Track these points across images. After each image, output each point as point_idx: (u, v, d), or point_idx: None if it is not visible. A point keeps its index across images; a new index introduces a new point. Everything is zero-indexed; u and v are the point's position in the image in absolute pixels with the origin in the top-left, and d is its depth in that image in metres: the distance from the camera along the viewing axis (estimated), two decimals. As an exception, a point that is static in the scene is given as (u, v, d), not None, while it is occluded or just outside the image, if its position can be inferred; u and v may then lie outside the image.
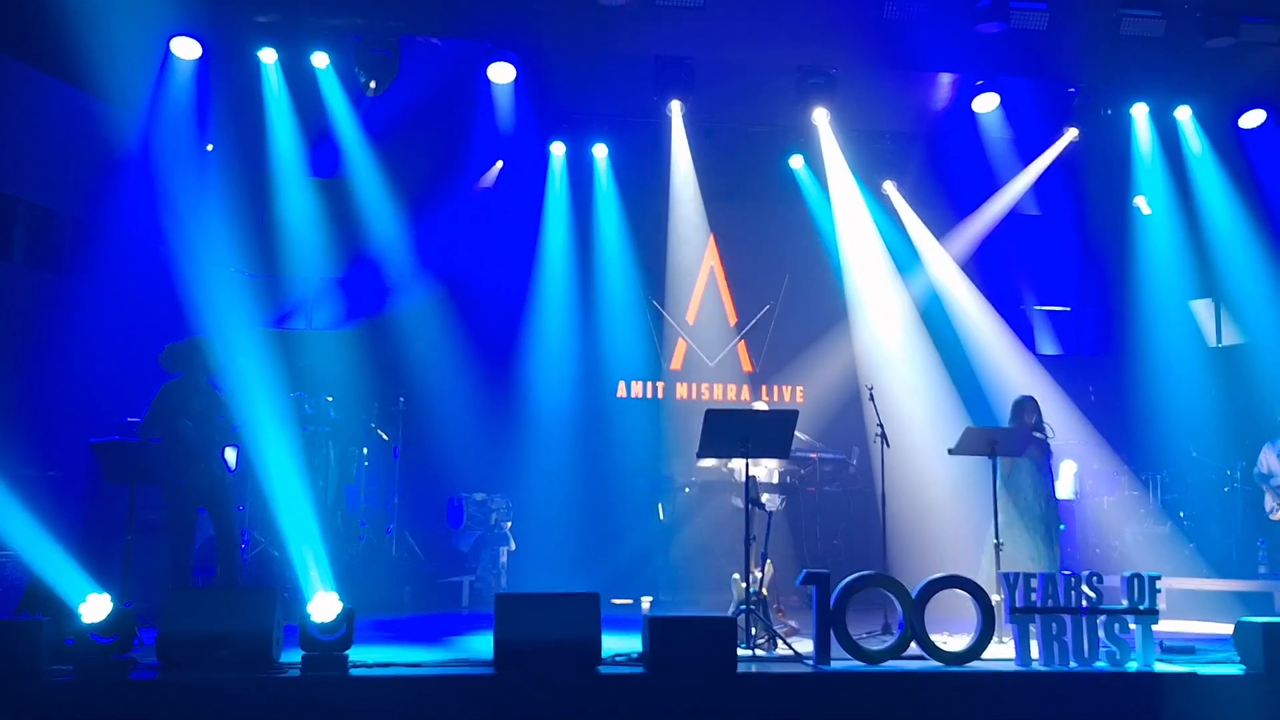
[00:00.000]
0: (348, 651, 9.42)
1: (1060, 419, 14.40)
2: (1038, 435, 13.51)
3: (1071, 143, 19.15)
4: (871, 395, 13.95)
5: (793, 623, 12.63)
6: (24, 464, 15.43)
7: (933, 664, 10.20)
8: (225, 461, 12.86)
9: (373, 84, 16.90)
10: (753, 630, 11.41)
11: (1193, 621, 14.38)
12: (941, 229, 20.27)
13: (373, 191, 18.50)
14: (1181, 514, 18.38)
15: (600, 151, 19.80)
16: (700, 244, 20.50)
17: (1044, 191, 20.35)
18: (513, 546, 17.33)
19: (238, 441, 13.20)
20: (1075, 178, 20.11)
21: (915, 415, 17.69)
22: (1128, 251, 20.27)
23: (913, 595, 10.44)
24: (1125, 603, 10.37)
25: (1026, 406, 13.78)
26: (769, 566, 12.35)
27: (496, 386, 18.90)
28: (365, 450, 17.06)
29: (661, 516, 17.32)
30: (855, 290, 20.09)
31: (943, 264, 20.21)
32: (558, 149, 19.68)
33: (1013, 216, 20.35)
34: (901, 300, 20.14)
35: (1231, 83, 17.79)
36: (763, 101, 18.38)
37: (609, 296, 19.94)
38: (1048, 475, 13.55)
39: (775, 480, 14.19)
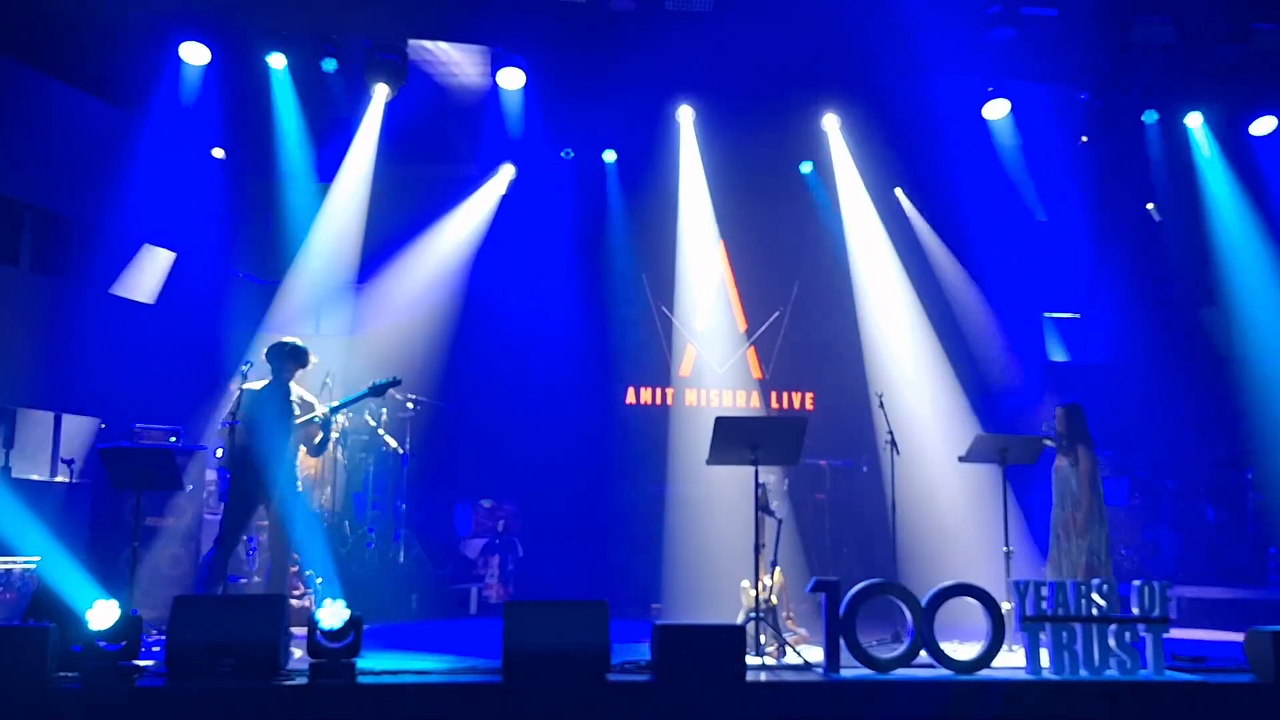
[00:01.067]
0: (355, 659, 9.38)
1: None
2: (1048, 443, 13.47)
3: (1082, 149, 19.13)
4: (881, 402, 13.93)
5: (802, 630, 12.62)
6: (30, 470, 15.45)
7: (943, 672, 10.16)
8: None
9: (381, 88, 16.96)
10: (762, 638, 11.39)
11: (1204, 630, 14.34)
12: (951, 235, 20.24)
13: (381, 197, 18.50)
14: (1192, 522, 18.34)
15: (609, 157, 19.80)
16: (709, 250, 20.47)
17: (1054, 198, 20.31)
18: (521, 553, 17.32)
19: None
20: (1086, 184, 20.05)
21: (925, 422, 17.65)
22: (1138, 258, 20.26)
23: (923, 603, 10.40)
24: (1136, 611, 10.34)
25: (1060, 414, 13.72)
26: (778, 574, 12.34)
27: (504, 392, 18.88)
28: (373, 457, 17.06)
29: (669, 524, 17.30)
30: (865, 297, 20.05)
31: (953, 270, 20.18)
32: (567, 155, 19.65)
33: (1023, 223, 20.32)
34: (911, 307, 20.10)
35: (1243, 89, 17.76)
36: (772, 107, 18.35)
37: (618, 302, 19.92)
38: (1080, 483, 13.50)
39: (783, 487, 14.20)
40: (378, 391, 12.84)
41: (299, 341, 12.75)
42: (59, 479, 15.80)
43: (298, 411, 12.57)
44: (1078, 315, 21.50)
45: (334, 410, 12.93)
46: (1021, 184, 19.82)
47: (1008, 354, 19.99)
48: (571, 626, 9.58)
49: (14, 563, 13.23)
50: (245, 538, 13.74)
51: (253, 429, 12.25)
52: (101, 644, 9.23)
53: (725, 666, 9.48)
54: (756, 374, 20.60)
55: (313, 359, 12.77)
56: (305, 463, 15.78)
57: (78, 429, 16.48)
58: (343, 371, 16.49)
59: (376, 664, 9.90)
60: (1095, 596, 10.34)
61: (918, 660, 10.28)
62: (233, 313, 17.93)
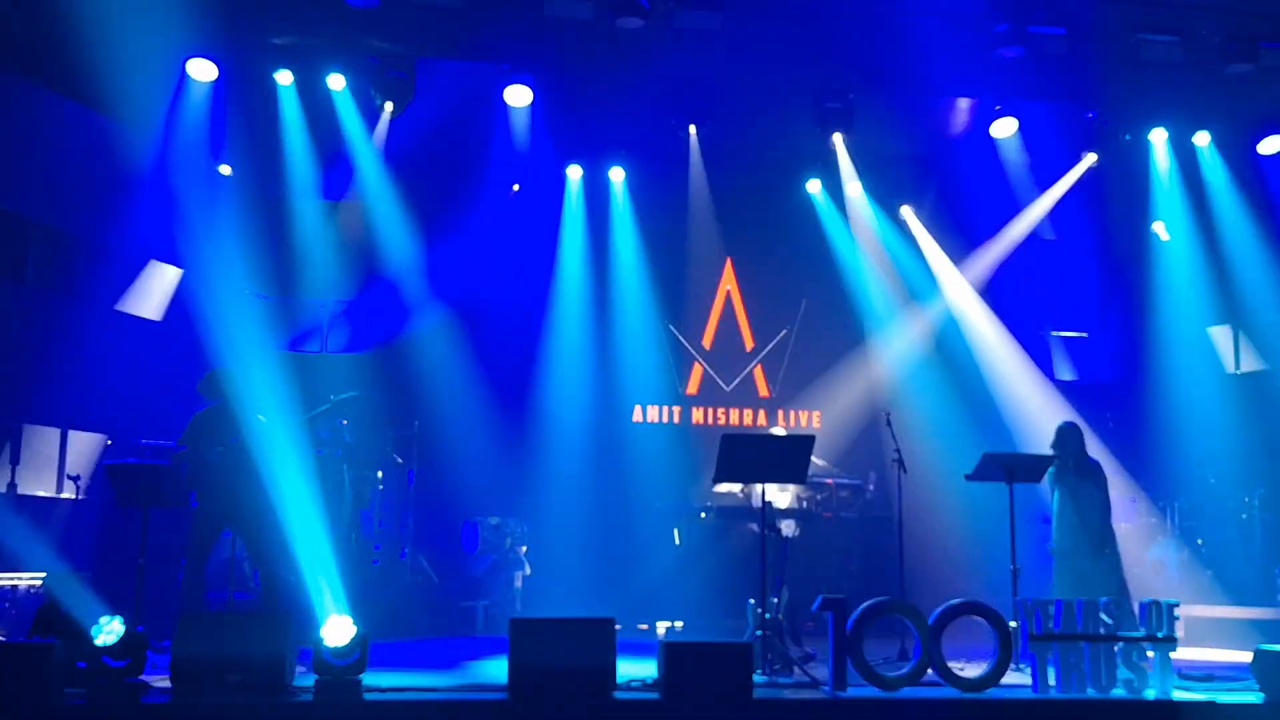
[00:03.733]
0: (361, 676, 9.37)
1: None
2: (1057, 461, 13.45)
3: (1090, 168, 19.13)
4: (889, 421, 13.93)
5: (809, 649, 12.59)
6: (37, 486, 15.46)
7: (949, 691, 10.14)
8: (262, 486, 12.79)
9: (388, 105, 16.97)
10: (769, 656, 11.37)
11: (1211, 649, 14.31)
12: (959, 254, 20.23)
13: (389, 214, 18.50)
14: (1199, 541, 18.28)
15: (617, 175, 19.80)
16: (717, 268, 20.47)
17: (1062, 216, 20.31)
18: (528, 571, 17.28)
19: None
20: (1093, 203, 20.06)
21: (932, 441, 17.63)
22: (1146, 277, 20.22)
23: (929, 621, 10.40)
24: (1143, 630, 10.32)
25: (1063, 434, 13.70)
26: (785, 592, 12.31)
27: (512, 410, 18.86)
28: (380, 474, 17.02)
29: (677, 541, 17.27)
30: (872, 315, 20.05)
31: (960, 289, 20.17)
32: (574, 172, 19.67)
33: (1030, 241, 20.33)
34: (919, 325, 20.09)
35: (1251, 108, 17.76)
36: (780, 125, 18.36)
37: (625, 320, 19.91)
38: (1073, 503, 13.46)
39: (790, 505, 14.17)
40: (339, 407, 12.97)
41: (222, 370, 12.91)
42: (65, 495, 15.81)
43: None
44: (1085, 334, 21.46)
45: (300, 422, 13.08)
46: (1029, 202, 19.81)
47: (1015, 372, 19.95)
48: (578, 644, 9.58)
49: (20, 579, 13.23)
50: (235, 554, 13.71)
51: (211, 452, 12.34)
52: (107, 660, 9.23)
53: (732, 685, 9.46)
54: (764, 392, 20.58)
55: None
56: None
57: (84, 445, 16.49)
58: (350, 389, 16.45)
59: (383, 681, 9.88)
60: (1102, 616, 10.35)
61: (925, 679, 10.27)
62: (239, 329, 17.93)
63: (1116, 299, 21.14)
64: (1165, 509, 18.46)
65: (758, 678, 10.53)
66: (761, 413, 20.42)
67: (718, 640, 10.52)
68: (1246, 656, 10.41)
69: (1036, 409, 18.77)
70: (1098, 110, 18.15)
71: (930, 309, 20.22)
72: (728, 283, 20.66)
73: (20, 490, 15.36)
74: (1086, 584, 12.98)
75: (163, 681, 9.52)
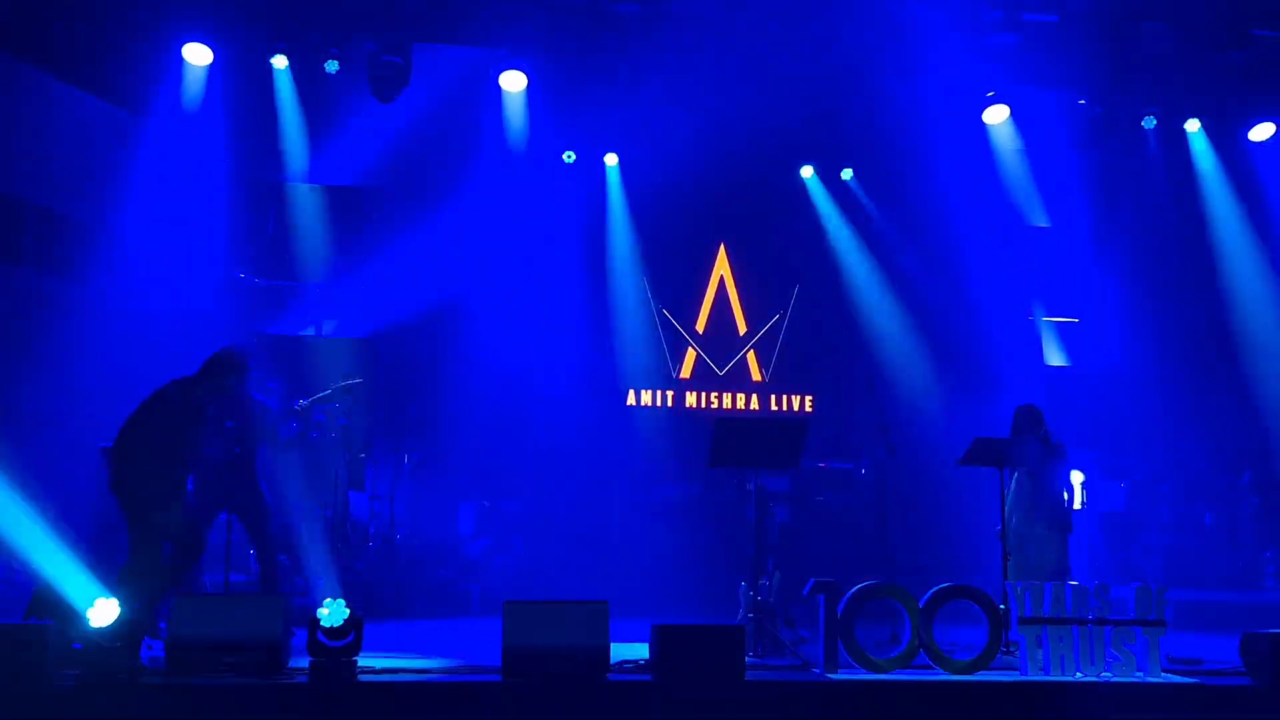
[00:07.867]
0: (356, 657, 9.43)
1: (1068, 430, 14.36)
2: (1045, 444, 13.48)
3: (1082, 154, 19.14)
4: (873, 385, 13.97)
5: (801, 631, 12.64)
6: (32, 469, 15.47)
7: (940, 673, 10.21)
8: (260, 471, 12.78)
9: (384, 90, 16.97)
10: (760, 639, 11.43)
11: (1199, 633, 14.36)
12: (951, 240, 20.23)
13: (383, 198, 18.52)
14: (1189, 525, 18.35)
15: (611, 160, 19.80)
16: (710, 252, 20.48)
17: (1054, 203, 20.34)
18: (522, 553, 17.32)
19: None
20: (1085, 189, 20.08)
21: (923, 426, 17.67)
22: (1137, 263, 20.26)
23: (920, 604, 10.46)
24: (1133, 614, 10.38)
25: (1031, 416, 13.71)
26: (777, 575, 12.36)
27: (507, 394, 18.87)
28: (374, 455, 17.06)
29: (669, 525, 17.31)
30: (864, 300, 20.10)
31: (952, 275, 20.18)
32: (569, 157, 19.64)
33: (1022, 228, 20.36)
34: (910, 310, 20.12)
35: (1242, 95, 17.78)
36: (773, 111, 18.36)
37: (619, 305, 19.92)
38: (1051, 484, 13.49)
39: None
40: (342, 391, 12.97)
41: (231, 350, 12.85)
42: (60, 476, 15.81)
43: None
44: (1076, 320, 21.49)
45: (300, 407, 13.07)
46: (1021, 189, 19.84)
47: (1005, 358, 19.99)
48: (571, 626, 9.63)
49: (15, 560, 13.26)
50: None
51: (210, 437, 12.36)
52: (102, 642, 9.27)
53: (724, 666, 9.52)
54: (756, 376, 20.60)
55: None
56: None
57: (79, 428, 16.51)
58: (344, 372, 16.48)
59: (377, 663, 9.93)
60: (1092, 599, 10.41)
61: (915, 661, 10.34)
62: (235, 313, 17.94)
63: (1108, 285, 21.16)
64: (1155, 494, 18.53)
65: (749, 660, 10.58)
66: (754, 397, 20.44)
67: (709, 622, 10.56)
68: (1235, 641, 10.48)
69: (1027, 394, 18.83)
70: (1089, 97, 18.16)
71: (922, 294, 20.23)
72: (721, 267, 20.67)
73: (16, 471, 15.39)
74: (1029, 566, 13.03)
75: (158, 663, 9.58)
